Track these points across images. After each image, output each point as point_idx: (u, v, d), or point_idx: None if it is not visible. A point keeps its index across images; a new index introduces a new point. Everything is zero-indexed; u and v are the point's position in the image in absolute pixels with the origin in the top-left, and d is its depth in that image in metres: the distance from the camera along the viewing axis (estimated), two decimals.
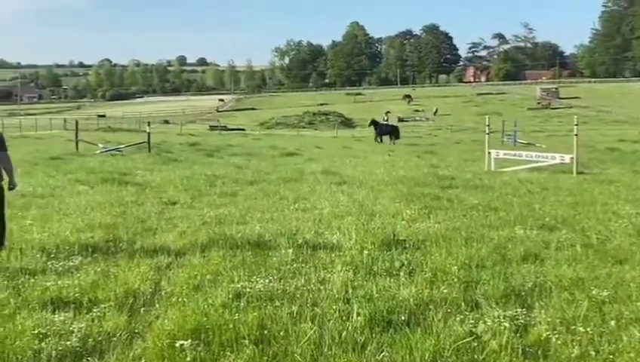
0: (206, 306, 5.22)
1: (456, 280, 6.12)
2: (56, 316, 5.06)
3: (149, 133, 27.01)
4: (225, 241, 7.80)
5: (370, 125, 42.31)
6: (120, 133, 52.30)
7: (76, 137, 26.94)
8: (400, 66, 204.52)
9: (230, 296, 5.56)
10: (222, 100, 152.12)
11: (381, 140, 39.97)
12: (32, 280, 6.04)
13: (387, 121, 45.53)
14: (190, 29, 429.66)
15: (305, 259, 7.09)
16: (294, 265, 6.80)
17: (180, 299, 5.53)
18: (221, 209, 10.87)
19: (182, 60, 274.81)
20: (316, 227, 9.16)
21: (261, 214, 10.40)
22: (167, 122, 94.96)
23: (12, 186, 7.55)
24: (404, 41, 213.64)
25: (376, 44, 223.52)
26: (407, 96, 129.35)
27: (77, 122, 28.97)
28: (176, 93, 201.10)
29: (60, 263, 6.74)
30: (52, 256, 7.03)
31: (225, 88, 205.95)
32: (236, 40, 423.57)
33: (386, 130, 41.32)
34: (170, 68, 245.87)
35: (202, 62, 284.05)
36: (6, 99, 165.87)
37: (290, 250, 7.40)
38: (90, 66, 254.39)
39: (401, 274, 6.38)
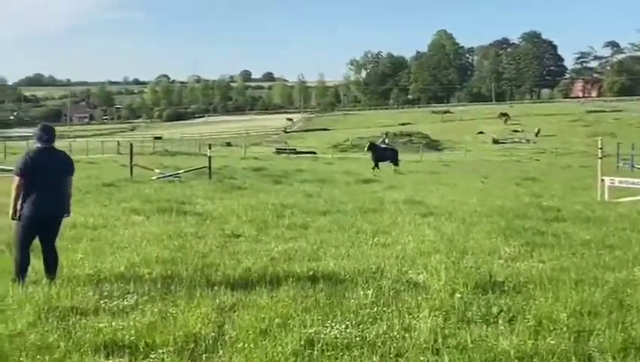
0: (275, 354, 5.26)
1: (565, 329, 5.96)
2: (110, 361, 5.20)
3: (209, 157, 27.49)
4: (295, 280, 7.87)
5: (368, 149, 38.54)
6: (178, 157, 53.60)
7: (131, 162, 27.65)
8: (495, 80, 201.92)
9: (302, 343, 5.58)
10: (290, 120, 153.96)
11: (378, 167, 36.35)
12: (84, 321, 6.23)
13: (387, 143, 40.79)
14: (255, 41, 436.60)
15: (386, 302, 7.07)
16: (374, 309, 6.78)
17: (245, 346, 5.59)
18: (290, 243, 10.97)
19: (246, 75, 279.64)
20: (399, 265, 9.13)
21: (335, 249, 10.43)
22: (229, 144, 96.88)
23: (68, 213, 7.95)
24: (500, 51, 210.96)
25: (467, 55, 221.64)
26: (504, 115, 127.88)
27: (131, 145, 29.81)
28: (240, 112, 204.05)
29: (114, 302, 6.95)
30: (105, 294, 7.24)
31: (293, 106, 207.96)
32: (307, 52, 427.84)
33: (384, 155, 38.11)
34: (233, 84, 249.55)
35: (269, 77, 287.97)
36: (55, 119, 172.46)
37: (370, 292, 7.39)
38: (146, 83, 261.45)
39: (500, 321, 6.27)
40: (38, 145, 7.96)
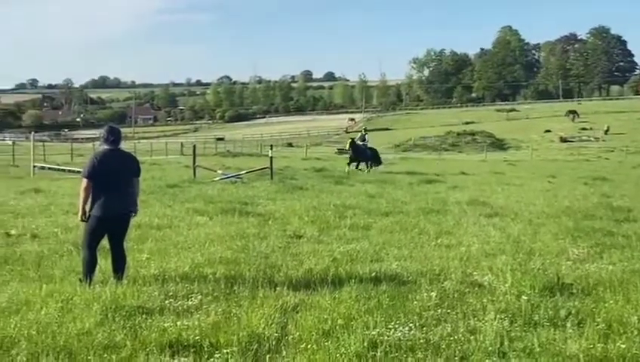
0: (338, 356, 5.28)
1: (636, 333, 5.85)
2: (176, 360, 5.30)
3: (271, 158, 27.71)
4: (357, 281, 7.88)
5: (349, 147, 35.17)
6: (240, 158, 54.20)
7: (194, 163, 28.11)
8: (562, 77, 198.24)
9: (365, 345, 5.60)
10: (352, 120, 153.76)
11: (357, 167, 34.56)
12: (150, 321, 6.36)
13: (366, 140, 36.42)
14: (316, 40, 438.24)
15: (451, 305, 7.03)
16: (438, 311, 6.76)
17: (308, 346, 5.63)
18: (352, 244, 10.99)
19: (307, 76, 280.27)
20: (463, 267, 9.06)
21: (398, 251, 10.42)
22: (290, 145, 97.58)
23: (135, 212, 8.33)
24: (567, 47, 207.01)
25: (533, 52, 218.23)
26: (572, 112, 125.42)
27: (194, 147, 30.32)
28: (301, 113, 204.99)
29: (179, 302, 7.08)
30: (170, 293, 7.37)
31: (355, 106, 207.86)
32: (368, 51, 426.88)
33: (364, 154, 35.10)
34: (294, 84, 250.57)
35: (330, 77, 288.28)
36: (120, 121, 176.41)
37: (434, 294, 7.36)
38: (208, 85, 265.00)
39: (568, 324, 6.17)
40: (105, 146, 8.13)
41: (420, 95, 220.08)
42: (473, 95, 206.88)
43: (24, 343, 5.58)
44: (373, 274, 8.39)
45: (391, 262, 9.45)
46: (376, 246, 10.78)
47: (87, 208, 7.90)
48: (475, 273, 8.61)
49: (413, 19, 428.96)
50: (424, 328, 6.20)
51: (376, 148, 38.21)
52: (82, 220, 8.04)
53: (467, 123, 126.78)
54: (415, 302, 7.05)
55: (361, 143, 35.24)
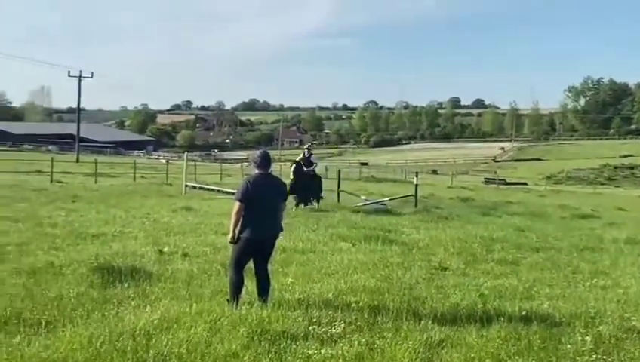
0: None
1: None
2: None
3: (416, 185, 27.62)
4: (506, 319, 7.67)
5: (293, 175, 23.19)
6: (384, 184, 54.24)
7: (338, 187, 28.35)
8: None
9: None
10: (502, 148, 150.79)
11: (306, 203, 23.54)
12: (294, 346, 6.45)
13: (314, 167, 24.72)
14: (465, 66, 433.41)
15: (607, 351, 6.74)
16: (593, 357, 6.50)
17: None
18: (500, 279, 10.74)
19: (455, 102, 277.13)
20: (620, 310, 8.63)
21: (550, 289, 10.09)
22: (435, 172, 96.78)
23: (279, 235, 8.57)
24: None
25: None
26: None
27: (339, 171, 30.62)
28: (447, 140, 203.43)
29: (322, 329, 7.13)
30: (314, 320, 7.44)
31: (504, 134, 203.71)
32: (519, 79, 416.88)
33: (310, 184, 23.86)
34: (441, 110, 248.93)
35: (479, 104, 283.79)
36: (267, 143, 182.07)
37: (588, 338, 7.07)
38: (354, 109, 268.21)
39: None
40: (256, 171, 8.38)
41: (575, 125, 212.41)
42: (632, 127, 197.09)
43: (175, 361, 5.79)
44: (523, 312, 8.14)
45: (542, 301, 9.14)
46: (526, 283, 10.47)
47: (237, 231, 8.14)
48: (633, 318, 8.16)
49: (569, 47, 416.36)
50: None
51: (525, 179, 36.43)
52: (231, 242, 8.28)
53: (625, 156, 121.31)
54: (568, 346, 6.79)
55: (306, 169, 23.78)
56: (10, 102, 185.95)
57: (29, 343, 6.28)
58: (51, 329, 6.82)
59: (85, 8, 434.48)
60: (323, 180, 24.66)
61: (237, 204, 8.10)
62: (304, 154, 23.83)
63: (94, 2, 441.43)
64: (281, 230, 8.62)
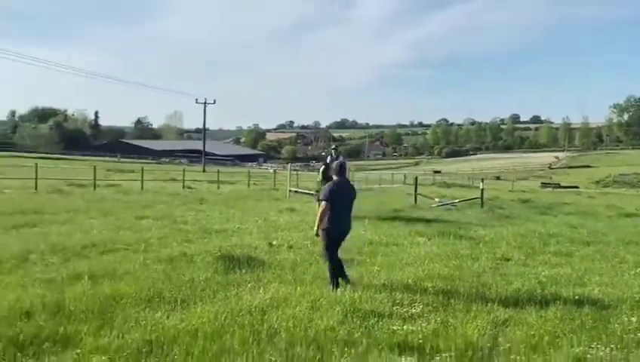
0: None
1: None
2: (403, 359, 5.31)
3: (482, 189, 27.12)
4: (562, 303, 7.45)
5: (321, 180, 15.08)
6: (454, 189, 53.30)
7: (415, 191, 28.16)
8: None
9: (570, 361, 5.25)
10: (556, 158, 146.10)
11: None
12: (381, 323, 6.43)
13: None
14: (524, 87, 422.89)
15: None
16: (638, 335, 6.18)
17: (517, 358, 5.39)
18: (556, 269, 10.39)
19: (515, 118, 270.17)
20: None
21: (599, 277, 9.70)
22: (498, 178, 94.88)
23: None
24: None
25: None
26: None
27: (416, 178, 30.42)
28: (508, 150, 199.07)
29: (404, 309, 7.09)
30: (397, 301, 7.41)
31: (558, 145, 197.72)
32: (572, 97, 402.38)
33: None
34: (503, 126, 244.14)
35: (536, 119, 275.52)
36: (355, 156, 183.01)
37: (634, 318, 6.80)
38: (428, 126, 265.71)
39: None
40: (335, 177, 8.50)
41: (620, 136, 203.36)
42: None
43: (283, 334, 5.88)
44: (576, 297, 7.87)
45: (593, 287, 8.81)
46: (579, 272, 10.10)
47: (322, 226, 8.21)
48: None
49: (615, 66, 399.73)
50: (625, 349, 5.71)
51: (576, 183, 34.65)
52: (317, 235, 8.40)
53: None
54: (616, 325, 6.52)
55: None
56: (151, 124, 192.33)
57: (168, 317, 6.46)
58: (185, 306, 6.97)
59: (210, 49, 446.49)
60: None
61: (324, 203, 8.18)
62: (331, 155, 18.00)
63: (218, 45, 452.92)
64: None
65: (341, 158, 17.92)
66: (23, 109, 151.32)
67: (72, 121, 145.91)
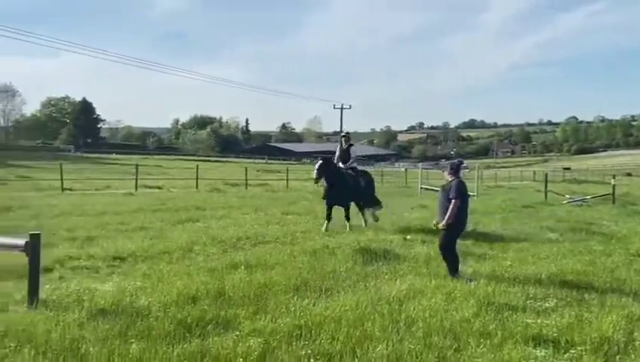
0: None
1: None
2: (538, 351, 5.12)
3: (613, 186, 25.47)
4: None
5: (317, 176, 13.28)
6: (585, 185, 50.14)
7: (545, 188, 27.00)
8: None
9: None
10: None
11: (328, 217, 13.58)
12: (515, 316, 6.22)
13: (352, 161, 14.27)
14: None
15: None
16: None
17: None
18: None
19: None
20: None
21: None
22: (629, 174, 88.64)
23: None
24: None
25: None
26: None
27: (546, 175, 29.09)
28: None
29: (538, 303, 6.82)
30: (530, 295, 7.13)
31: None
32: None
33: (354, 188, 13.89)
34: (634, 123, 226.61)
35: None
36: (484, 154, 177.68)
37: None
38: (557, 124, 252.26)
39: None
40: (450, 177, 8.47)
41: None
42: None
43: (420, 323, 5.84)
44: None
45: None
46: None
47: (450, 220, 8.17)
48: None
49: None
50: None
51: None
52: (439, 228, 8.33)
53: None
54: None
55: (342, 165, 14.12)
56: (294, 129, 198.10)
57: (314, 304, 6.61)
58: (329, 295, 7.09)
59: (343, 59, 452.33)
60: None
61: (458, 200, 8.14)
62: (341, 144, 14.45)
63: (351, 54, 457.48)
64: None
65: (353, 151, 14.53)
66: (184, 117, 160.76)
67: (226, 127, 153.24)
